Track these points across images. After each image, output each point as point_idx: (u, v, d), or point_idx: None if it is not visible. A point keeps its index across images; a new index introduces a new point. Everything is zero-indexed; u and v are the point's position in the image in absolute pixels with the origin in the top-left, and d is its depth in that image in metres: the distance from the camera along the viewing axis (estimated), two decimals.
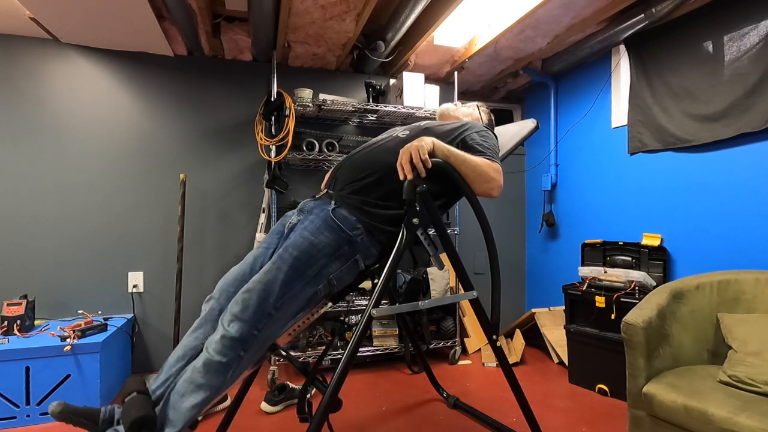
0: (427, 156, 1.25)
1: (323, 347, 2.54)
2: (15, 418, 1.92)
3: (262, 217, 2.70)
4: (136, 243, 2.60)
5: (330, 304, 1.36)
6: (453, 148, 1.35)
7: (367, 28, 2.49)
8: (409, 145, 1.27)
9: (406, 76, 2.66)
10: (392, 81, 2.83)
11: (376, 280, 2.63)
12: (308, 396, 1.40)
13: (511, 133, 1.72)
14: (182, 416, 1.04)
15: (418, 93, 2.69)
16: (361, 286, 2.63)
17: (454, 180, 1.33)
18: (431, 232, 1.36)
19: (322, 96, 2.64)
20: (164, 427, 1.02)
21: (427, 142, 1.28)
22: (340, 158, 2.58)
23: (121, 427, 0.99)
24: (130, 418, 0.96)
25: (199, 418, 1.13)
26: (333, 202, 1.33)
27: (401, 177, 1.25)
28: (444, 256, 2.96)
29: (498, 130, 1.73)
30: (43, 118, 2.46)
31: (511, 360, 2.68)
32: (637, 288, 2.19)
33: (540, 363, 2.74)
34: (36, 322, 2.25)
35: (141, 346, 2.59)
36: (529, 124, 1.65)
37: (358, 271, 1.30)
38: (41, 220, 2.44)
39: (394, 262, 1.23)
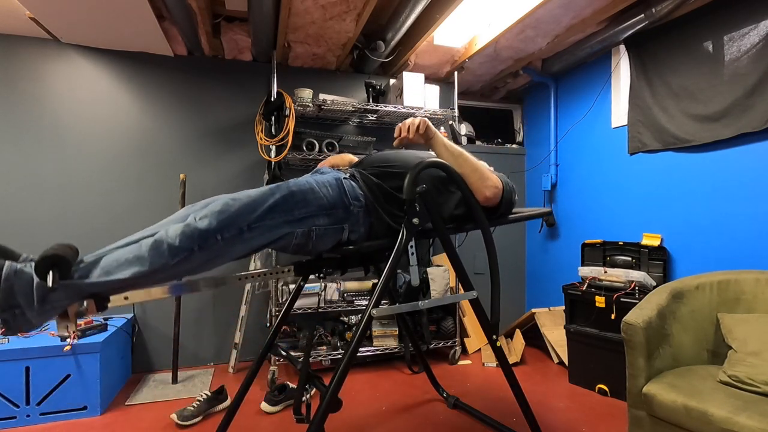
0: (426, 124, 1.33)
1: (324, 347, 2.54)
2: (15, 418, 1.92)
3: None
4: None
5: (292, 273, 1.35)
6: (453, 144, 1.39)
7: (367, 28, 2.49)
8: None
9: (406, 76, 2.66)
10: (392, 81, 2.83)
11: (375, 281, 2.63)
12: (308, 396, 1.39)
13: (526, 209, 1.79)
14: (104, 277, 0.97)
15: (418, 93, 2.69)
16: (360, 286, 2.65)
17: (450, 174, 1.33)
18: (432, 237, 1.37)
19: (322, 96, 2.64)
20: (84, 277, 0.96)
21: (431, 124, 1.37)
22: None
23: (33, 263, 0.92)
24: (44, 254, 0.90)
25: (109, 305, 1.04)
26: (348, 174, 1.36)
27: (395, 134, 1.37)
28: (444, 257, 2.97)
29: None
30: (43, 118, 2.46)
31: (511, 360, 2.67)
32: (637, 288, 2.19)
33: (540, 363, 2.74)
34: None
35: (141, 346, 2.59)
36: (545, 209, 1.71)
37: (338, 240, 1.27)
38: (41, 219, 2.44)
39: (394, 262, 1.23)
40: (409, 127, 1.33)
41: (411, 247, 1.29)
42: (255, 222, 1.10)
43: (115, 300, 1.05)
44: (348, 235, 1.27)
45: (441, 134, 1.39)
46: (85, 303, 0.99)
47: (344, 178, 1.32)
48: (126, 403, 2.14)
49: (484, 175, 1.36)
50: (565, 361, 2.52)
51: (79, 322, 2.21)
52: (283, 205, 1.15)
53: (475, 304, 1.43)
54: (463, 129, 3.30)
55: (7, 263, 0.91)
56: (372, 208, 1.30)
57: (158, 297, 1.17)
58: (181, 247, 1.02)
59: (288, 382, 2.17)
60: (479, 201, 1.37)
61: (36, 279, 0.91)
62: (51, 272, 0.90)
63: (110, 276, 0.97)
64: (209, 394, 2.05)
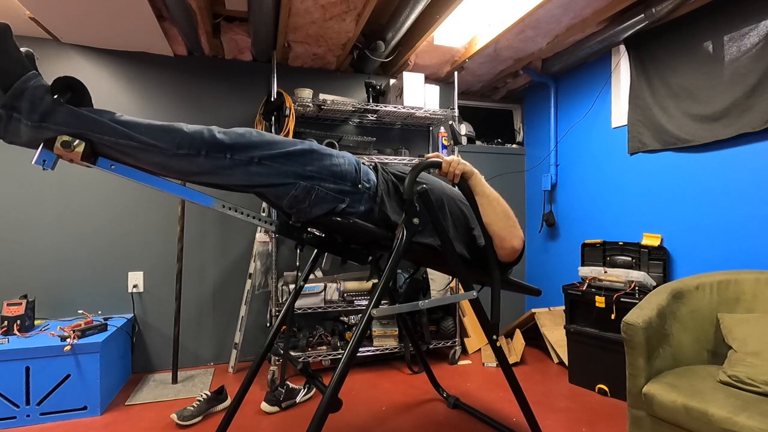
0: (463, 168, 1.33)
1: (324, 347, 2.54)
2: (15, 418, 1.92)
3: None
4: (136, 243, 2.60)
5: (274, 227, 1.34)
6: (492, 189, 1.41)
7: (367, 28, 2.49)
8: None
9: (406, 76, 2.66)
10: (392, 81, 2.83)
11: (375, 281, 2.63)
12: (303, 395, 1.38)
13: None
14: (109, 121, 1.00)
15: (418, 93, 2.69)
16: (360, 286, 2.65)
17: (468, 197, 1.37)
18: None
19: (322, 96, 2.64)
20: (92, 113, 1.00)
21: (471, 166, 1.37)
22: None
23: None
24: (66, 76, 0.96)
25: (95, 164, 1.05)
26: (371, 165, 1.40)
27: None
28: None
29: None
30: None
31: (511, 360, 2.68)
32: (637, 288, 2.19)
33: (540, 363, 2.74)
34: (36, 322, 2.25)
35: (141, 346, 2.59)
36: (535, 288, 1.74)
37: (333, 208, 1.24)
38: (41, 220, 2.44)
39: (394, 263, 1.23)
40: (450, 162, 1.36)
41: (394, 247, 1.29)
42: (267, 159, 1.11)
43: (103, 163, 1.05)
44: (344, 208, 1.26)
45: (480, 176, 1.40)
46: (76, 142, 0.98)
47: (363, 163, 1.34)
48: (126, 403, 2.14)
49: (516, 224, 1.37)
50: (565, 361, 2.52)
51: (78, 322, 2.21)
52: (300, 157, 1.16)
53: (475, 304, 1.43)
54: (463, 129, 3.31)
55: (33, 72, 0.96)
56: (379, 195, 1.31)
57: (145, 183, 1.12)
58: (191, 143, 1.04)
59: (288, 382, 2.17)
60: (505, 250, 1.38)
61: (49, 93, 0.94)
62: (65, 92, 0.95)
63: (115, 123, 1.01)
64: (209, 394, 2.05)
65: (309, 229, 1.44)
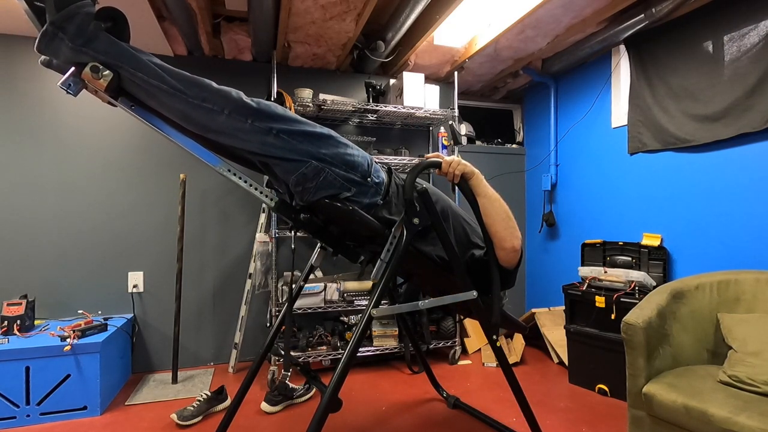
0: (464, 168, 1.33)
1: (324, 347, 2.54)
2: (15, 418, 1.92)
3: (262, 217, 2.71)
4: (136, 243, 2.60)
5: (273, 204, 1.34)
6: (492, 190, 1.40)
7: (367, 28, 2.49)
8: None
9: (406, 76, 2.66)
10: (392, 81, 2.83)
11: (375, 281, 2.63)
12: (297, 395, 1.38)
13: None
14: (146, 59, 1.04)
15: (418, 93, 2.69)
16: (360, 286, 2.65)
17: (465, 194, 1.36)
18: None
19: (322, 96, 2.64)
20: (130, 48, 1.03)
21: (471, 167, 1.36)
22: None
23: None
24: (115, 7, 1.01)
25: (117, 102, 1.12)
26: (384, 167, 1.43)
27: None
28: None
29: None
30: (43, 118, 2.46)
31: (511, 360, 2.68)
32: (637, 288, 2.19)
33: (540, 363, 2.74)
34: (36, 322, 2.25)
35: (141, 346, 2.59)
36: (527, 326, 1.74)
37: (337, 194, 1.24)
38: (41, 219, 2.44)
39: (395, 262, 1.23)
40: (450, 163, 1.35)
41: (391, 244, 1.28)
42: (285, 134, 1.15)
43: (124, 102, 1.10)
44: (348, 196, 1.26)
45: (482, 178, 1.39)
46: (106, 72, 1.02)
47: (376, 162, 1.35)
48: (126, 403, 2.14)
49: (515, 225, 1.37)
50: (565, 361, 2.52)
51: (78, 322, 2.21)
52: (317, 139, 1.19)
53: (474, 304, 1.43)
54: (463, 129, 3.31)
55: (90, 1, 0.99)
56: (388, 193, 1.31)
57: (159, 129, 1.15)
58: (217, 99, 1.09)
59: (288, 382, 2.17)
60: (505, 250, 1.37)
61: (94, 20, 0.99)
62: (107, 21, 1.02)
63: (151, 63, 1.04)
64: (209, 394, 2.05)
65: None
